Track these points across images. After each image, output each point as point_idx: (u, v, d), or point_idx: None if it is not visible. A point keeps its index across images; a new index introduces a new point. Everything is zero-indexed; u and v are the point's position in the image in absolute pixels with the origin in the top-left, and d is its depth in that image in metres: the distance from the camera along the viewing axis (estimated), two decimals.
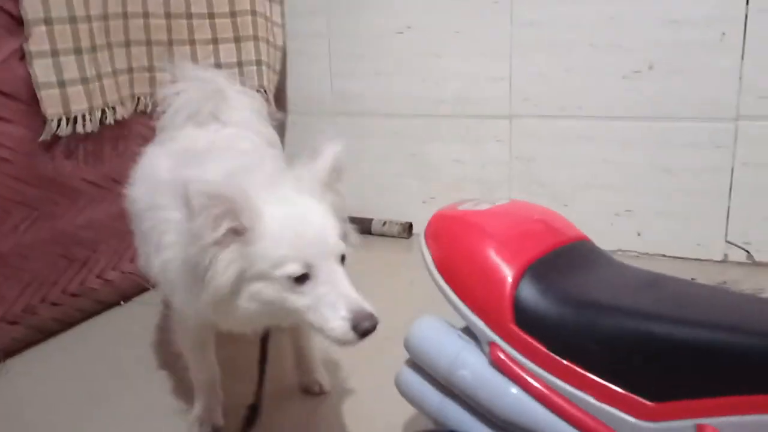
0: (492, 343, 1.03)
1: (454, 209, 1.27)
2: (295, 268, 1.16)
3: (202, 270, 1.17)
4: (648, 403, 0.87)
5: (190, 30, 2.54)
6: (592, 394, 0.92)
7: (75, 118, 2.04)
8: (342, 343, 1.17)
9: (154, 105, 1.77)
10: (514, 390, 1.00)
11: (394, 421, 1.55)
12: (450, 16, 2.66)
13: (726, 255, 2.41)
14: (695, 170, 2.38)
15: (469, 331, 1.10)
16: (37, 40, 1.93)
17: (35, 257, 2.06)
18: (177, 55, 2.49)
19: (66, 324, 2.20)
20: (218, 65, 2.58)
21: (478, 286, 1.08)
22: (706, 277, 2.19)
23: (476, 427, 1.06)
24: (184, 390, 1.71)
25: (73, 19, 2.00)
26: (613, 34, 2.41)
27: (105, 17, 2.17)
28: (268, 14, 2.73)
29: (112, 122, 2.19)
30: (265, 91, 2.71)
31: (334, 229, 1.25)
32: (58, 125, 2.01)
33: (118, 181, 2.07)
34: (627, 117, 2.46)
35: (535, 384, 0.98)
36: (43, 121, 1.99)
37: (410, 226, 2.88)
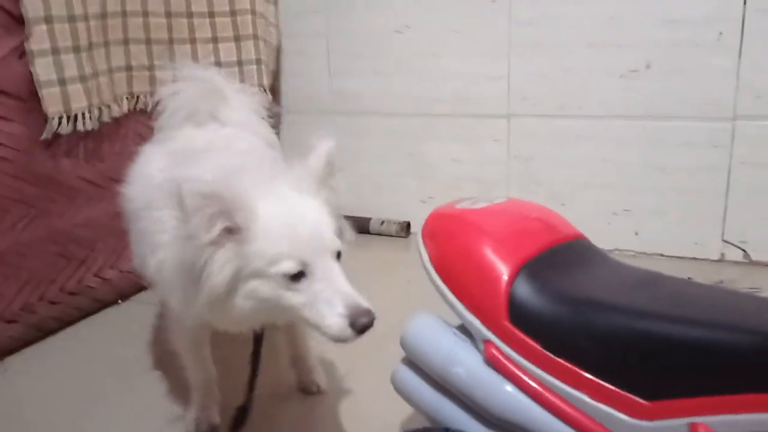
0: (487, 341, 1.04)
1: (451, 208, 1.27)
2: (290, 266, 1.16)
3: (198, 270, 1.17)
4: (642, 401, 0.87)
5: (191, 29, 2.54)
6: (586, 393, 0.92)
7: (75, 116, 2.05)
8: (339, 339, 1.16)
9: (154, 104, 1.76)
10: (509, 387, 1.00)
11: (391, 420, 1.55)
12: (448, 15, 2.66)
13: (723, 254, 2.41)
14: (692, 170, 2.39)
15: (464, 329, 1.10)
16: (38, 39, 1.93)
17: (33, 255, 2.06)
18: (178, 53, 2.49)
19: (64, 322, 2.20)
20: (218, 64, 2.58)
21: (474, 283, 1.08)
22: (703, 276, 2.19)
23: (470, 424, 1.06)
24: (181, 389, 1.71)
25: (72, 18, 2.00)
26: (611, 33, 2.42)
27: (103, 16, 2.17)
28: (265, 14, 2.73)
29: (108, 120, 2.19)
30: (265, 90, 2.71)
31: (330, 226, 1.25)
32: (59, 124, 2.01)
33: (116, 180, 2.06)
34: (625, 116, 2.46)
35: (530, 382, 0.98)
36: (45, 119, 1.99)
37: (408, 225, 2.88)
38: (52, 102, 1.98)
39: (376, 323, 1.15)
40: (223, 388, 1.64)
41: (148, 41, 2.39)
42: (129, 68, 2.33)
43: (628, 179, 2.50)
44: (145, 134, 1.83)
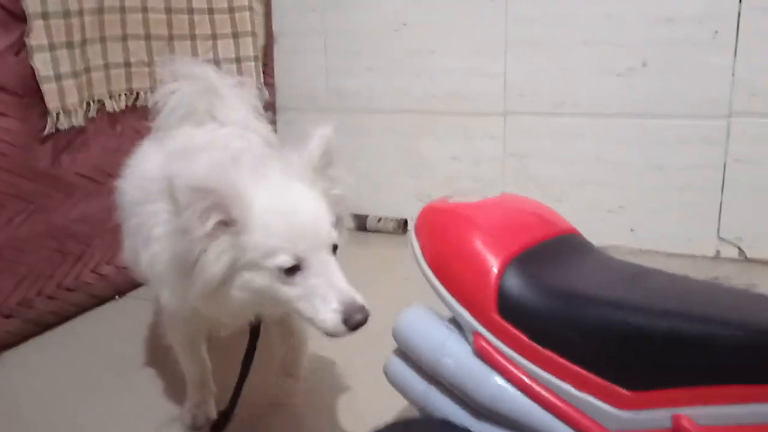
0: (476, 333, 1.04)
1: (444, 202, 1.28)
2: (285, 260, 1.15)
3: (192, 262, 1.16)
4: (626, 392, 0.88)
5: (191, 25, 2.54)
6: (572, 383, 0.93)
7: (68, 112, 2.06)
8: (332, 334, 1.16)
9: (151, 103, 1.75)
10: (497, 379, 1.01)
11: (386, 416, 1.55)
12: (445, 13, 2.67)
13: (718, 251, 2.42)
14: (688, 167, 2.39)
15: (455, 321, 1.11)
16: (37, 35, 1.94)
17: (30, 251, 2.07)
18: (177, 50, 2.49)
19: (61, 318, 2.20)
20: (217, 61, 2.59)
21: (464, 276, 1.09)
22: (698, 273, 2.19)
23: (459, 414, 1.07)
24: (178, 384, 1.71)
25: (66, 14, 2.01)
26: (607, 31, 2.43)
27: (100, 11, 2.18)
28: (258, 11, 2.75)
29: (95, 115, 2.20)
30: (262, 87, 2.72)
31: (327, 218, 1.24)
32: (57, 119, 2.03)
33: (113, 176, 2.07)
34: (620, 114, 2.47)
35: (517, 373, 0.99)
36: (45, 115, 2.01)
37: (405, 222, 2.89)
38: (51, 98, 2.00)
39: (372, 320, 1.15)
40: (221, 382, 1.64)
41: (148, 37, 2.39)
42: (128, 64, 2.33)
43: (624, 176, 2.51)
44: (142, 131, 1.83)
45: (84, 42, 2.11)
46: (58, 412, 1.73)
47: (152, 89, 2.26)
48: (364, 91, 2.89)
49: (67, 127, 2.07)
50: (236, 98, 1.79)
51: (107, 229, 2.21)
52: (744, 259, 2.38)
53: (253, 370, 1.47)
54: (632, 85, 2.42)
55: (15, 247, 2.02)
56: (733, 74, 2.28)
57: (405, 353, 1.17)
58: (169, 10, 2.46)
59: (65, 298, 2.20)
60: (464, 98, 2.71)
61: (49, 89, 1.99)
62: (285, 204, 1.21)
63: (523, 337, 0.98)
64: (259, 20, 2.79)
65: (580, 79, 2.50)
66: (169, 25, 2.47)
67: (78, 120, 2.11)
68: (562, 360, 0.94)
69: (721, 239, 2.40)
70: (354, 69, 2.89)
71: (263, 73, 2.83)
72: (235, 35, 2.65)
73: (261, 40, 2.84)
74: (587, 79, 2.49)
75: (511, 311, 1.01)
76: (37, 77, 1.96)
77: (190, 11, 2.53)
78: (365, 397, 1.69)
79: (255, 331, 1.47)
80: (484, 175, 2.74)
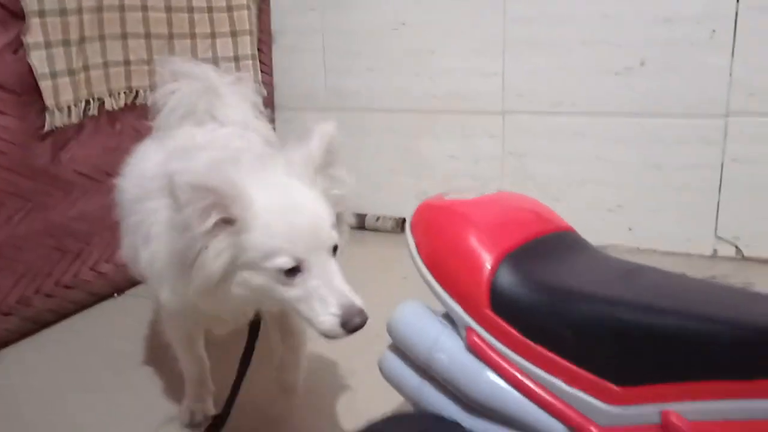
0: (469, 328, 1.05)
1: (440, 199, 1.28)
2: (285, 261, 1.15)
3: (191, 259, 1.15)
4: (615, 387, 0.89)
5: (191, 23, 2.55)
6: (562, 379, 0.94)
7: (62, 109, 2.07)
8: (329, 337, 1.16)
9: (150, 103, 1.75)
10: (488, 374, 1.01)
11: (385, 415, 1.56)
12: (444, 12, 2.67)
13: (715, 250, 2.42)
14: (685, 166, 2.40)
15: (449, 317, 1.11)
16: (34, 32, 1.95)
17: (29, 249, 2.08)
18: (177, 48, 2.50)
19: (60, 315, 2.21)
20: (216, 60, 2.59)
21: (458, 272, 1.09)
22: (696, 271, 2.18)
23: (452, 410, 1.07)
24: (176, 381, 1.71)
25: (63, 12, 2.02)
26: (605, 31, 2.43)
27: (99, 9, 2.18)
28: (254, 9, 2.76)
29: (95, 113, 2.20)
30: (260, 85, 2.72)
31: (327, 219, 1.23)
32: (53, 116, 2.04)
33: (111, 174, 2.08)
34: (619, 113, 2.47)
35: (508, 368, 0.99)
36: (43, 112, 2.01)
37: (404, 221, 2.88)
38: (47, 95, 2.00)
39: (370, 319, 1.15)
40: (218, 381, 1.64)
41: (148, 35, 2.40)
42: (127, 62, 2.33)
43: (622, 176, 2.51)
44: (142, 129, 1.84)
45: (83, 40, 2.12)
46: (56, 410, 1.73)
47: (152, 88, 2.26)
48: (363, 90, 2.90)
49: (59, 125, 2.07)
50: (235, 97, 1.79)
51: (106, 227, 2.21)
52: (741, 257, 2.38)
53: (252, 371, 1.46)
54: (630, 85, 2.43)
55: (14, 245, 2.03)
56: (730, 74, 2.28)
57: (399, 348, 1.17)
58: (169, 9, 2.46)
59: (64, 296, 2.20)
60: (463, 97, 2.71)
61: (45, 86, 1.99)
62: (285, 204, 1.20)
63: (515, 333, 0.99)
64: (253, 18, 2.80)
65: (578, 79, 2.51)
66: (169, 23, 2.47)
67: (73, 118, 2.11)
68: (552, 355, 0.95)
69: (718, 238, 2.40)
70: (353, 68, 2.89)
71: (261, 71, 2.83)
72: (234, 34, 2.66)
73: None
74: (585, 79, 2.50)
75: (504, 307, 1.01)
76: (35, 74, 1.97)
77: (190, 10, 2.53)
78: (365, 397, 1.69)
79: (254, 329, 1.46)
80: (482, 174, 2.74)
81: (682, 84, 2.35)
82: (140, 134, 1.83)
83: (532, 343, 0.97)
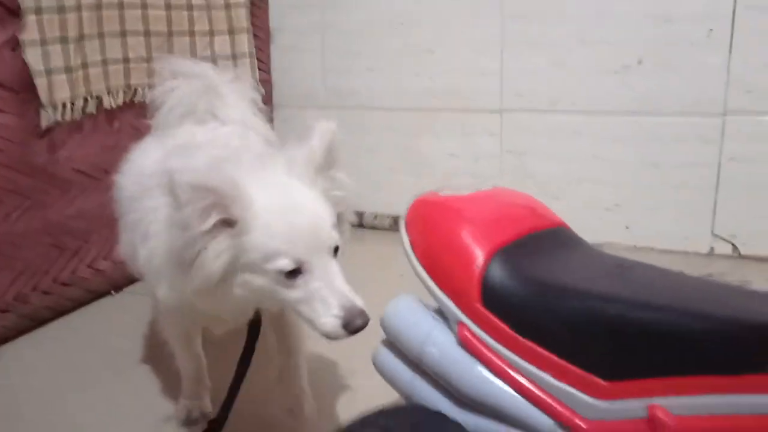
0: (460, 323, 1.05)
1: (434, 195, 1.28)
2: (286, 263, 1.14)
3: (191, 258, 1.14)
4: (602, 382, 0.89)
5: (191, 21, 2.55)
6: (551, 374, 0.94)
7: (56, 107, 2.07)
8: (331, 338, 1.16)
9: (149, 101, 1.74)
10: (479, 368, 1.02)
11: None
12: (442, 11, 2.68)
13: (712, 248, 2.42)
14: (683, 165, 2.40)
15: (442, 312, 1.12)
16: (30, 30, 1.95)
17: (27, 246, 2.08)
18: (176, 46, 2.50)
19: (57, 312, 2.21)
20: (214, 58, 2.60)
21: (450, 267, 1.09)
22: (693, 269, 2.19)
23: (443, 404, 1.07)
24: (173, 379, 1.71)
25: (61, 9, 2.03)
26: (603, 29, 2.43)
27: (98, 7, 2.18)
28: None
29: (93, 111, 2.21)
30: (258, 84, 2.72)
31: (328, 219, 1.22)
32: (47, 113, 2.04)
33: (109, 172, 2.08)
34: (616, 112, 2.47)
35: (498, 363, 0.99)
36: (38, 109, 2.02)
37: None
38: (43, 92, 2.01)
39: (369, 322, 1.15)
40: (217, 380, 1.64)
41: (147, 33, 2.40)
42: (126, 60, 2.33)
43: (620, 174, 2.51)
44: (140, 127, 1.84)
45: (81, 37, 2.12)
46: (53, 408, 1.73)
47: (151, 86, 2.26)
48: (362, 89, 2.90)
49: (53, 123, 2.07)
50: (235, 95, 1.78)
51: (104, 225, 2.21)
52: (738, 256, 2.38)
53: (250, 371, 1.44)
54: (628, 83, 2.43)
55: (11, 243, 2.04)
56: (728, 72, 2.28)
57: (392, 343, 1.18)
58: (168, 6, 2.46)
59: (61, 293, 2.21)
60: (461, 96, 2.72)
61: (40, 84, 2.00)
62: (286, 205, 1.19)
63: (505, 328, 0.99)
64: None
65: (576, 77, 2.51)
66: (169, 21, 2.47)
67: (70, 116, 2.11)
68: (542, 350, 0.95)
69: (715, 236, 2.40)
70: (352, 67, 2.90)
71: (259, 69, 2.84)
72: (231, 32, 2.66)
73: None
74: (583, 77, 2.50)
75: (494, 302, 1.02)
76: (30, 72, 1.97)
77: (190, 7, 2.53)
78: (365, 397, 1.66)
79: (254, 329, 1.44)
80: (481, 172, 2.74)
81: (679, 82, 2.35)
82: (139, 132, 1.83)
83: (521, 338, 0.97)
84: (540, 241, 1.14)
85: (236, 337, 1.47)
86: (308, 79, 2.99)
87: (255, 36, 2.80)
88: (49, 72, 2.01)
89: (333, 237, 1.21)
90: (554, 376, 0.94)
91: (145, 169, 1.46)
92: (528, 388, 0.96)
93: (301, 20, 2.95)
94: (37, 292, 2.13)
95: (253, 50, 2.74)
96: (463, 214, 1.16)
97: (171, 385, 1.75)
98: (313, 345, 1.71)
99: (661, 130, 2.41)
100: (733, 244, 2.38)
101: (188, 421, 1.62)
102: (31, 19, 1.95)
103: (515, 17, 2.57)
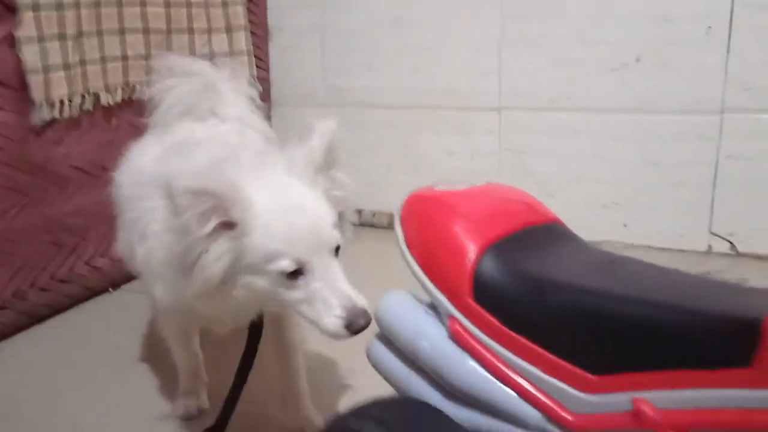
0: (451, 317, 1.05)
1: (429, 190, 1.28)
2: (287, 264, 1.13)
3: (191, 261, 1.13)
4: (590, 376, 0.89)
5: (189, 18, 2.56)
6: (540, 368, 0.94)
7: (54, 104, 2.07)
8: (334, 337, 1.16)
9: (146, 100, 1.74)
10: (470, 362, 1.02)
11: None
12: (441, 9, 2.68)
13: (710, 246, 2.42)
14: (681, 163, 2.40)
15: (434, 306, 1.12)
16: (26, 26, 1.95)
17: (25, 243, 2.09)
18: (175, 43, 2.50)
19: (55, 310, 2.22)
20: (212, 55, 2.60)
21: (442, 261, 1.09)
22: (691, 267, 2.18)
23: (436, 397, 1.08)
24: (171, 376, 1.71)
25: (60, 6, 2.03)
26: (601, 27, 2.44)
27: (97, 4, 2.19)
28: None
29: (90, 108, 2.21)
30: (255, 82, 2.72)
31: (328, 219, 1.21)
32: (41, 110, 2.04)
33: (107, 169, 2.08)
34: (615, 110, 2.48)
35: (489, 357, 0.99)
36: (32, 106, 2.02)
37: None
38: (36, 89, 2.01)
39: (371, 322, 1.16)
40: (216, 379, 1.64)
41: (146, 31, 2.40)
42: (125, 57, 2.34)
43: (618, 172, 2.51)
44: (138, 125, 1.84)
45: (80, 35, 2.13)
46: (51, 404, 1.74)
47: (149, 84, 2.27)
48: (360, 87, 2.91)
49: (48, 120, 2.07)
50: (233, 93, 1.78)
51: (101, 222, 2.22)
52: (735, 254, 2.38)
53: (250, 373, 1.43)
54: (627, 81, 2.43)
55: (10, 239, 2.04)
56: (725, 70, 2.28)
57: (386, 337, 1.18)
58: (167, 4, 2.47)
59: (59, 290, 2.21)
60: (460, 93, 2.72)
61: (35, 81, 2.00)
62: (286, 205, 1.18)
63: (496, 322, 0.99)
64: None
65: (574, 76, 2.51)
66: (168, 18, 2.48)
67: (67, 113, 2.12)
68: (531, 345, 0.95)
69: (713, 234, 2.41)
70: (350, 65, 2.90)
71: (257, 67, 2.84)
72: (229, 29, 2.67)
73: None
74: (582, 76, 2.50)
75: (485, 296, 1.02)
76: (23, 68, 1.97)
77: (188, 5, 2.54)
78: (364, 396, 1.67)
79: (256, 331, 1.43)
80: (479, 169, 2.74)
81: (678, 81, 2.36)
82: (137, 129, 1.82)
83: (511, 333, 0.97)
84: (533, 237, 1.14)
85: (236, 336, 1.47)
86: (307, 78, 3.00)
87: (253, 34, 2.82)
88: (46, 69, 2.02)
89: (334, 237, 1.21)
90: (543, 370, 0.94)
91: (143, 168, 1.45)
92: (517, 382, 0.96)
93: (301, 19, 2.95)
94: (35, 289, 2.13)
95: (251, 48, 2.75)
96: (456, 209, 1.16)
97: (168, 381, 1.76)
98: (313, 344, 1.73)
99: (661, 128, 2.42)
100: (730, 242, 2.38)
101: (186, 417, 1.63)
102: (28, 15, 1.95)
103: (515, 17, 2.57)
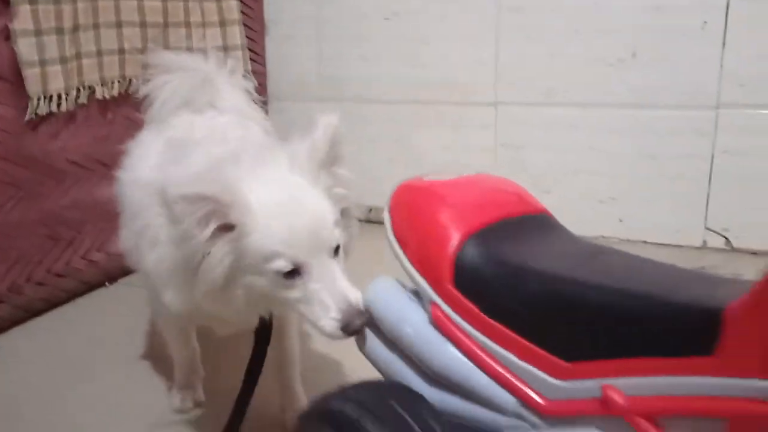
0: (433, 303, 1.06)
1: (419, 180, 1.29)
2: (284, 265, 1.14)
3: (196, 264, 1.14)
4: (562, 362, 0.90)
5: (186, 12, 2.56)
6: (516, 354, 0.95)
7: (51, 97, 2.08)
8: (331, 338, 1.16)
9: (142, 94, 1.73)
10: (449, 347, 1.03)
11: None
12: (437, 2, 2.69)
13: (705, 241, 2.43)
14: (676, 157, 2.41)
15: (418, 293, 1.13)
16: (22, 19, 1.96)
17: (22, 237, 2.10)
18: (172, 37, 2.51)
19: (51, 304, 2.23)
20: (206, 49, 2.60)
21: (426, 248, 1.10)
22: (685, 262, 2.18)
23: (417, 382, 1.09)
24: (167, 370, 1.72)
25: None
26: (597, 21, 2.44)
27: None
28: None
29: (86, 102, 2.22)
30: (250, 75, 2.72)
31: (329, 218, 1.21)
32: (38, 104, 2.04)
33: (104, 163, 2.10)
34: (610, 105, 2.48)
35: (467, 342, 1.00)
36: (27, 100, 2.02)
37: None
38: (32, 82, 2.01)
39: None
40: (215, 379, 1.65)
41: (143, 24, 2.41)
42: (121, 51, 2.35)
43: (614, 167, 2.52)
44: (134, 119, 1.84)
45: (76, 28, 2.14)
46: (47, 398, 1.75)
47: (144, 78, 2.26)
48: (356, 80, 2.91)
49: (45, 113, 2.08)
50: (229, 86, 1.78)
51: (98, 216, 2.24)
52: (730, 249, 2.39)
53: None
54: (623, 76, 2.43)
55: (6, 233, 2.05)
56: (721, 65, 2.28)
57: (374, 323, 1.19)
58: None
59: (55, 284, 2.23)
60: (456, 88, 2.73)
61: (31, 74, 2.01)
62: (286, 205, 1.18)
63: (474, 309, 1.00)
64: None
65: (570, 70, 2.52)
66: (164, 12, 2.48)
67: (63, 106, 2.12)
68: (507, 331, 0.96)
69: (708, 230, 2.41)
70: (346, 58, 2.91)
71: (253, 61, 2.85)
72: (222, 24, 2.68)
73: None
74: (578, 70, 2.51)
75: (465, 283, 1.02)
76: (19, 61, 1.98)
77: None
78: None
79: (263, 335, 1.41)
80: (475, 164, 2.74)
81: (674, 75, 2.36)
82: (132, 123, 1.83)
83: (489, 319, 0.98)
84: (518, 226, 1.14)
85: (236, 335, 1.48)
86: (304, 72, 3.00)
87: (249, 28, 2.83)
88: (43, 62, 2.02)
89: (333, 237, 1.20)
90: (519, 356, 0.95)
91: (146, 168, 1.44)
92: (494, 368, 0.97)
93: (297, 13, 2.96)
94: (31, 283, 2.14)
95: (245, 42, 2.75)
96: (443, 199, 1.17)
97: (165, 376, 1.77)
98: (313, 344, 1.76)
99: (657, 122, 2.42)
100: (725, 238, 2.38)
101: (182, 410, 1.64)
102: (25, 8, 1.96)
103: (511, 9, 2.57)
